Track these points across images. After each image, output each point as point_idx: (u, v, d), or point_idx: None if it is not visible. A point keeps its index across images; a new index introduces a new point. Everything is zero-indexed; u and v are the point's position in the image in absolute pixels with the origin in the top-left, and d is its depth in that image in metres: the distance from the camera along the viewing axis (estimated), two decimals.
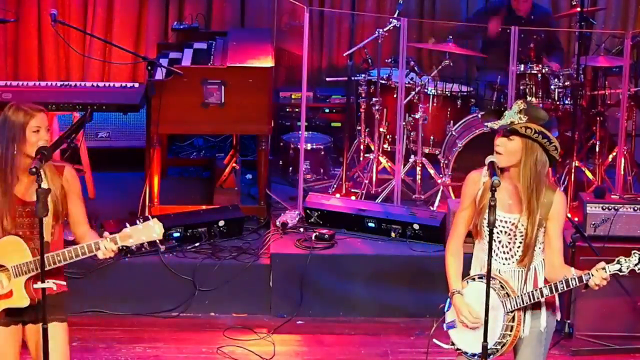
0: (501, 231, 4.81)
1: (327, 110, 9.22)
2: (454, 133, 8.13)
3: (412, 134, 8.27)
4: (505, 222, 4.80)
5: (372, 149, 8.39)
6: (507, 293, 4.77)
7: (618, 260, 4.68)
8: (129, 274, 7.17)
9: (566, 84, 8.19)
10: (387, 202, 8.01)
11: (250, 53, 8.03)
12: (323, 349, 6.86)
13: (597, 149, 8.31)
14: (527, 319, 4.83)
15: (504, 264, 4.83)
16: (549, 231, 4.82)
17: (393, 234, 7.58)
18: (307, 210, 7.77)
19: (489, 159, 4.76)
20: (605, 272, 4.67)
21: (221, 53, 8.15)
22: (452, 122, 8.28)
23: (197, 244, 7.47)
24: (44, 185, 4.75)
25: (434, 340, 4.98)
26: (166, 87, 7.61)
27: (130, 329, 7.00)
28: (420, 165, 8.20)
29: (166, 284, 7.22)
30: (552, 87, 8.19)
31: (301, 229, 7.67)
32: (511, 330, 4.78)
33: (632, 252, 4.70)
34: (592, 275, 4.68)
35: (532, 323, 4.86)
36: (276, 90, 9.00)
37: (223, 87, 7.65)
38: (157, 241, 7.21)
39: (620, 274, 4.70)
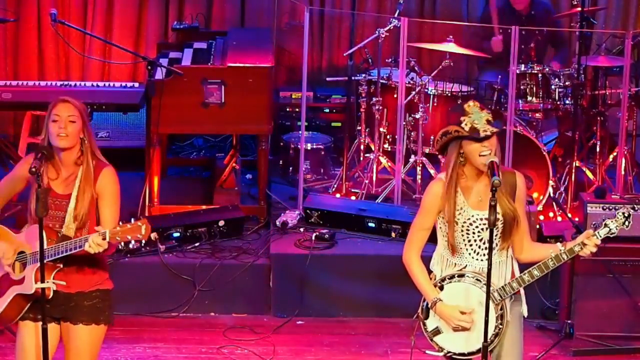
0: (483, 229, 4.80)
1: (327, 110, 9.22)
2: None
3: (412, 133, 8.27)
4: (484, 218, 4.75)
5: (372, 149, 8.38)
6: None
7: (605, 224, 4.70)
8: (129, 274, 7.16)
9: (567, 83, 8.18)
10: (387, 202, 8.00)
11: (250, 53, 8.03)
12: (323, 349, 6.86)
13: (598, 149, 8.31)
14: (507, 305, 4.82)
15: (485, 260, 4.79)
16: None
17: (393, 234, 7.58)
18: (307, 210, 7.76)
19: (488, 159, 4.76)
20: (597, 238, 4.68)
21: (221, 53, 8.14)
22: None
23: (197, 244, 7.47)
24: (78, 179, 4.85)
25: (427, 351, 4.93)
26: (166, 87, 7.60)
27: (130, 329, 6.99)
28: (420, 165, 8.19)
29: (166, 284, 7.22)
30: (553, 87, 8.18)
31: (301, 229, 7.67)
32: (502, 319, 4.78)
33: (617, 212, 4.72)
34: (585, 244, 4.69)
35: (513, 308, 4.85)
36: (276, 90, 9.00)
37: (223, 87, 7.64)
38: (157, 241, 7.29)
39: (612, 235, 4.70)
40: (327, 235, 7.48)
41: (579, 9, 8.13)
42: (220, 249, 7.45)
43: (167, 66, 7.71)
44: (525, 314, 4.92)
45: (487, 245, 4.77)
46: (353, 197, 8.14)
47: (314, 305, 7.27)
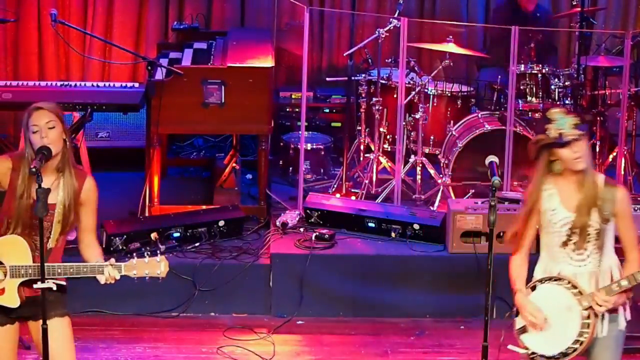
0: (575, 232, 4.81)
1: (327, 110, 9.22)
2: (454, 133, 8.13)
3: (412, 134, 8.27)
4: (573, 221, 4.80)
5: (372, 149, 8.38)
6: (579, 291, 4.77)
7: None
8: None
9: (566, 83, 8.19)
10: (387, 202, 8.00)
11: (250, 53, 8.03)
12: (323, 349, 6.86)
13: (598, 149, 8.32)
14: (605, 318, 4.82)
15: (579, 266, 4.83)
16: (617, 228, 4.83)
17: (393, 234, 7.58)
18: (307, 210, 7.76)
19: (488, 159, 4.77)
20: None
21: (221, 53, 8.15)
22: (452, 122, 8.28)
23: (197, 244, 7.47)
24: (60, 189, 4.81)
25: (509, 346, 4.93)
26: (166, 87, 7.61)
27: (130, 329, 7.00)
28: (420, 165, 8.19)
29: (166, 284, 7.13)
30: (552, 87, 8.19)
31: (301, 229, 7.67)
32: (588, 328, 4.77)
33: None
34: None
35: (611, 324, 4.85)
36: (276, 90, 9.00)
37: (223, 87, 7.65)
38: (157, 242, 7.29)
39: None
40: (327, 235, 7.48)
41: (579, 9, 8.14)
42: (220, 249, 7.45)
43: (167, 66, 7.71)
44: (623, 328, 4.89)
45: (579, 251, 4.81)
46: (353, 197, 8.14)
47: (314, 305, 7.27)
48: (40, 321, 4.86)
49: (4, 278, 4.82)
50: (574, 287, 4.79)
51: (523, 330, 4.90)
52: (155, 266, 4.77)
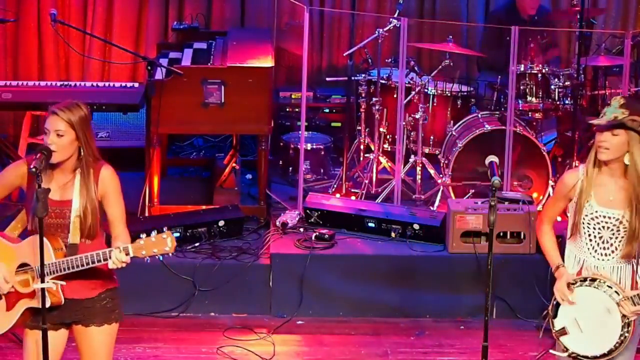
0: (603, 227, 4.81)
1: (327, 110, 9.22)
2: (454, 133, 8.13)
3: (412, 134, 8.27)
4: (609, 217, 4.80)
5: (372, 149, 8.39)
6: (616, 292, 4.77)
7: None
8: (129, 274, 7.13)
9: (566, 83, 8.19)
10: (387, 202, 8.00)
11: (250, 53, 8.03)
12: (323, 349, 6.86)
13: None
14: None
15: (602, 260, 4.84)
16: None
17: (393, 234, 7.58)
18: (307, 210, 7.76)
19: (488, 159, 4.77)
20: None
21: (221, 53, 8.15)
22: (452, 122, 8.28)
23: (197, 244, 7.47)
24: (76, 185, 4.80)
25: (551, 351, 4.93)
26: (166, 87, 7.60)
27: (130, 329, 6.98)
28: (420, 165, 8.19)
29: (166, 284, 7.22)
30: (553, 87, 8.19)
31: (301, 229, 7.67)
32: (628, 327, 4.78)
33: None
34: None
35: (636, 327, 4.85)
36: (276, 90, 9.00)
37: (223, 87, 7.64)
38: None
39: None
40: (327, 235, 7.48)
41: (578, 9, 8.14)
42: (220, 249, 7.45)
43: (167, 66, 7.71)
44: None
45: (604, 245, 4.82)
46: (353, 197, 8.14)
47: (314, 305, 7.27)
48: (81, 326, 4.93)
49: (33, 281, 4.82)
50: (610, 287, 4.78)
51: (562, 332, 4.87)
52: (163, 243, 4.71)
